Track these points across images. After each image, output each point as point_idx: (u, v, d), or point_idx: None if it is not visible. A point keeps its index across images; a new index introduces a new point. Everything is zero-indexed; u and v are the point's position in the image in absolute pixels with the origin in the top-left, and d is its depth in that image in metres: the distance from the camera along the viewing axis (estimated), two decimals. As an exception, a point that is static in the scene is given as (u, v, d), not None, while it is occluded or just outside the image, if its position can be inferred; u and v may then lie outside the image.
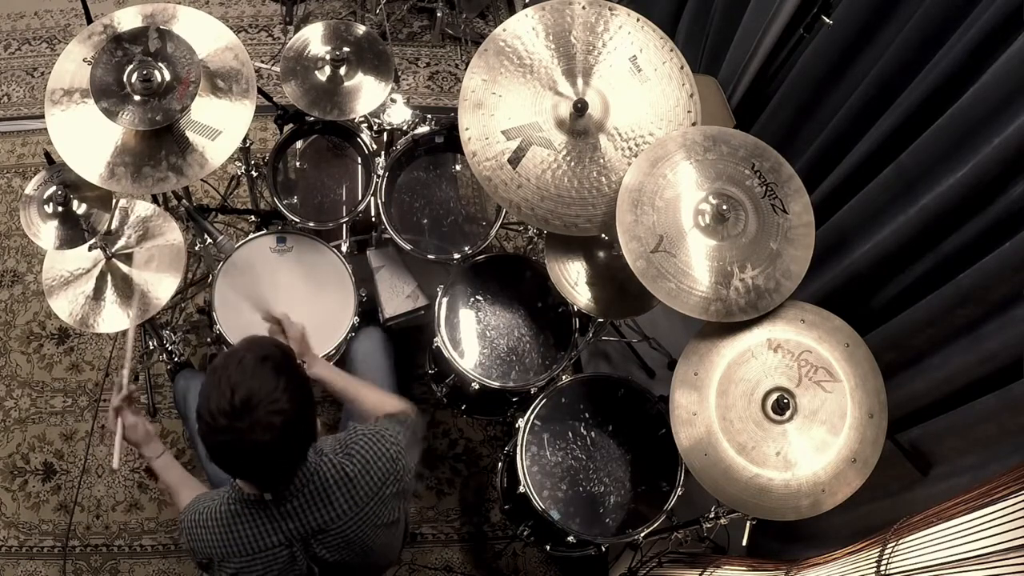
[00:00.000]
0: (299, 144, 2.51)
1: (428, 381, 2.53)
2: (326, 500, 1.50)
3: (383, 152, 2.45)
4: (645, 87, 2.00)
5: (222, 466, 1.40)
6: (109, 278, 2.13)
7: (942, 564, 1.26)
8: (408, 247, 2.37)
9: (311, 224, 2.36)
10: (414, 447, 1.68)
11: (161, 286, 2.12)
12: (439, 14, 3.53)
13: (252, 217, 2.69)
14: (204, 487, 1.79)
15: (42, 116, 1.97)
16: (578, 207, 1.98)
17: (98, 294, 2.11)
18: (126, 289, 2.12)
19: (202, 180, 2.75)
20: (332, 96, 2.26)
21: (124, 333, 1.97)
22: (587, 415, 2.28)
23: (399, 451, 1.59)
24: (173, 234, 2.18)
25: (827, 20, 2.09)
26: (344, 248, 2.38)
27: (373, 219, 2.46)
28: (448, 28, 3.62)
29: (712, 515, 2.04)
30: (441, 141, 2.48)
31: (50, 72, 1.97)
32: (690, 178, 1.91)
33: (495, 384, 2.26)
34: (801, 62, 2.31)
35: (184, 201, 2.29)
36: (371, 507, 1.55)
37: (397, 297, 2.51)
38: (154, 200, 2.38)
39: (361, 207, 2.39)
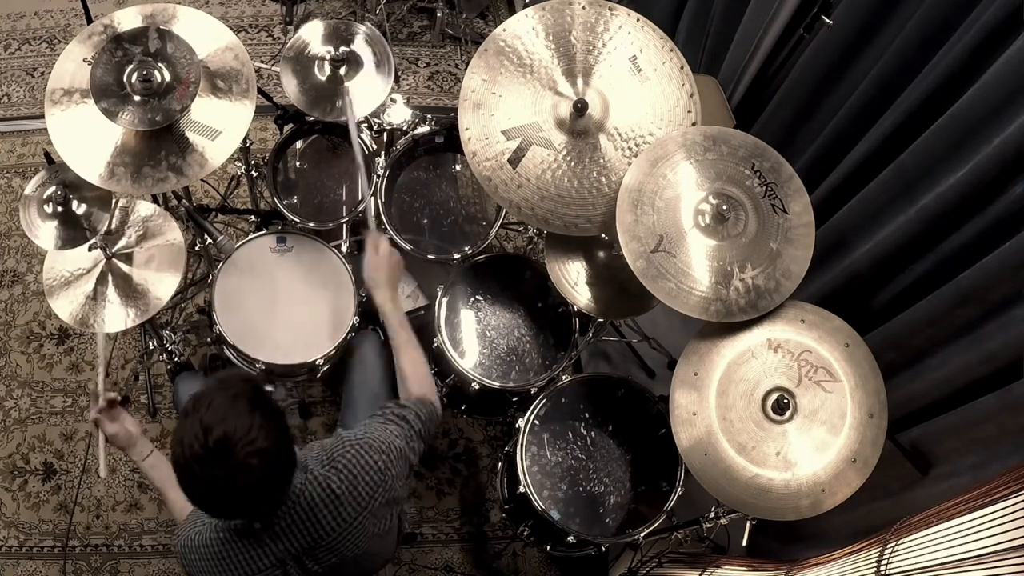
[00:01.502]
0: (299, 144, 2.51)
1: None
2: (313, 519, 1.46)
3: (383, 152, 2.45)
4: (645, 87, 2.00)
5: (204, 509, 1.37)
6: (109, 278, 2.13)
7: (942, 564, 1.26)
8: (408, 247, 2.37)
9: (311, 224, 2.36)
10: (417, 438, 1.63)
11: (161, 286, 2.12)
12: (439, 14, 3.53)
13: (252, 217, 2.69)
14: None
15: (42, 116, 1.97)
16: (578, 207, 1.98)
17: (98, 294, 2.11)
18: (126, 289, 2.12)
19: (202, 180, 2.75)
20: (332, 96, 2.25)
21: (114, 335, 1.96)
22: (587, 415, 2.28)
23: (388, 460, 1.53)
24: (173, 234, 2.18)
25: (827, 20, 2.09)
26: (344, 248, 2.38)
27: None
28: (448, 28, 3.62)
29: (712, 515, 2.04)
30: (441, 141, 2.48)
31: (50, 72, 1.97)
32: (690, 178, 1.91)
33: (495, 384, 2.26)
34: (801, 62, 2.31)
35: (184, 201, 2.29)
36: (360, 520, 1.51)
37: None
38: (154, 200, 2.38)
39: (361, 207, 2.39)
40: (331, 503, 1.47)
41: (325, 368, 2.28)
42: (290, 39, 2.32)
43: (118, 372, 2.82)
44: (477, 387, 2.26)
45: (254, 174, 2.43)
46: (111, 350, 2.84)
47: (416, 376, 1.73)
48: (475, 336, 2.36)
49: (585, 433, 2.27)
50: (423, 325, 2.46)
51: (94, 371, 2.83)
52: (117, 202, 2.12)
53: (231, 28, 2.07)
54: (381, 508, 1.55)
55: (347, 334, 2.25)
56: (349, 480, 1.49)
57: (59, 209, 1.96)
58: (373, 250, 1.84)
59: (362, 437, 1.55)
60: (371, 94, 2.24)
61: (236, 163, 2.39)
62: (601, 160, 1.99)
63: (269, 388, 1.52)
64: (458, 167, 2.54)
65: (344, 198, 2.47)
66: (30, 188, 2.00)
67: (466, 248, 2.40)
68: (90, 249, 2.08)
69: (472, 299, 2.40)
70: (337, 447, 1.53)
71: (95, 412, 1.73)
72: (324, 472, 1.49)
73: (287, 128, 2.45)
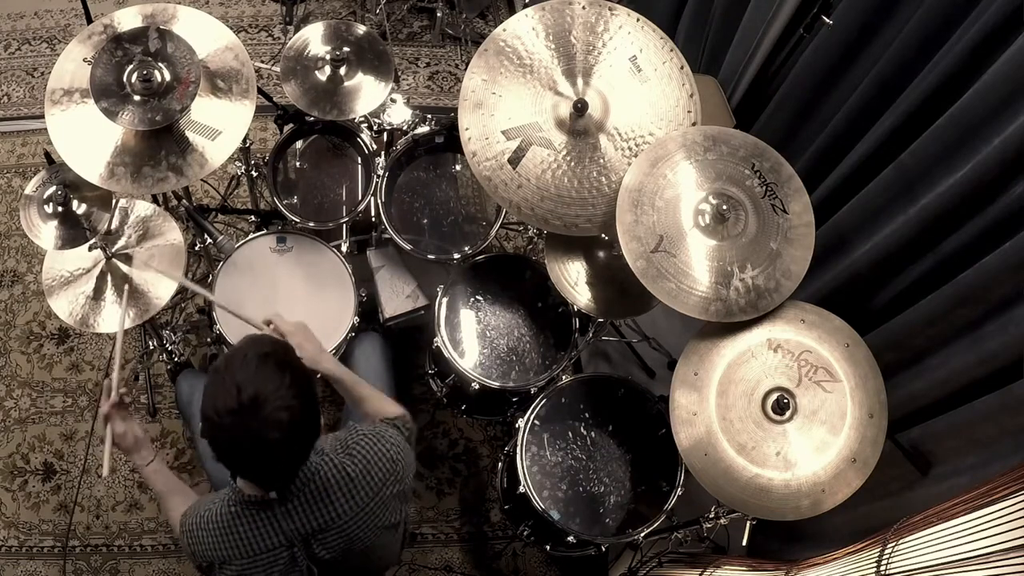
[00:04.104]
0: (299, 144, 2.51)
1: (428, 381, 2.53)
2: (327, 499, 1.50)
3: (383, 152, 2.45)
4: (645, 87, 2.00)
5: (229, 464, 1.40)
6: (109, 278, 2.13)
7: (942, 564, 1.26)
8: (408, 247, 2.37)
9: (311, 224, 2.36)
10: (411, 452, 1.68)
11: (161, 286, 2.12)
12: (439, 14, 3.53)
13: (252, 217, 2.69)
14: (194, 493, 1.78)
15: (42, 116, 1.97)
16: (578, 207, 1.98)
17: (98, 294, 2.11)
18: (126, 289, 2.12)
19: (202, 180, 2.75)
20: (332, 96, 2.25)
21: (114, 335, 1.96)
22: (587, 415, 2.28)
23: (399, 452, 1.59)
24: (173, 234, 2.18)
25: (827, 20, 2.09)
26: (344, 248, 2.38)
27: (373, 219, 2.46)
28: (448, 28, 3.62)
29: (712, 515, 2.04)
30: (441, 141, 2.48)
31: (50, 72, 1.97)
32: (690, 178, 1.91)
33: (495, 384, 2.26)
34: (801, 62, 2.31)
35: (184, 201, 2.29)
36: (372, 507, 1.55)
37: (397, 297, 2.51)
38: (154, 200, 2.38)
39: (361, 207, 2.39)
40: (346, 485, 1.51)
41: (325, 368, 2.28)
42: (290, 39, 2.32)
43: (108, 376, 2.82)
44: (477, 387, 2.26)
45: (254, 174, 2.43)
46: (114, 349, 2.84)
47: (384, 408, 1.78)
48: (475, 336, 2.36)
49: (585, 433, 2.27)
50: (423, 325, 2.47)
51: (94, 370, 2.84)
52: (117, 202, 2.12)
53: (231, 28, 2.07)
54: (391, 499, 1.58)
55: (347, 334, 2.26)
56: (364, 465, 1.54)
57: (59, 209, 1.96)
58: (285, 328, 1.80)
59: (373, 430, 1.61)
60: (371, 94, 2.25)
61: (236, 163, 2.39)
62: (601, 160, 1.99)
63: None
64: (458, 167, 2.54)
65: (344, 198, 2.47)
66: (30, 188, 2.00)
67: (466, 248, 2.40)
68: (90, 249, 2.08)
69: (472, 299, 2.40)
70: (352, 436, 1.58)
71: (107, 406, 1.72)
72: (340, 457, 1.53)
73: (287, 128, 2.45)
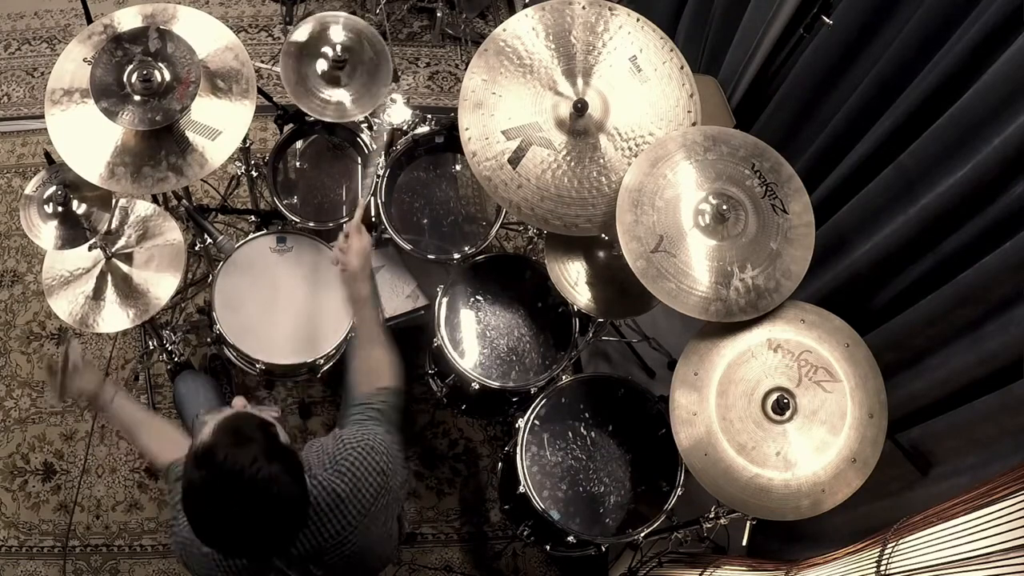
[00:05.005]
0: (299, 144, 2.51)
1: (428, 381, 2.53)
2: (318, 524, 1.45)
3: (383, 152, 2.45)
4: (645, 87, 2.00)
5: (216, 548, 1.36)
6: (109, 278, 2.13)
7: (942, 564, 1.26)
8: (408, 247, 2.37)
9: (311, 224, 2.36)
10: (396, 431, 1.62)
11: (161, 286, 2.12)
12: (439, 14, 3.53)
13: (252, 217, 2.69)
14: (166, 422, 1.76)
15: (42, 116, 1.96)
16: (578, 207, 1.98)
17: (98, 294, 2.12)
18: (126, 289, 2.12)
19: (202, 180, 2.75)
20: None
21: (115, 335, 1.93)
22: (587, 415, 2.28)
23: (388, 463, 1.53)
24: (173, 234, 2.18)
25: (827, 20, 2.09)
26: (344, 248, 2.38)
27: (373, 219, 2.46)
28: (448, 28, 3.62)
29: (712, 515, 2.04)
30: (441, 141, 2.48)
31: (50, 72, 1.97)
32: (690, 178, 1.91)
33: (495, 384, 2.26)
34: (801, 62, 2.31)
35: (184, 201, 2.29)
36: (364, 522, 1.51)
37: (397, 297, 2.51)
38: (154, 200, 2.38)
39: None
40: (336, 507, 1.46)
41: (326, 368, 2.28)
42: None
43: (118, 372, 2.82)
44: (477, 387, 2.25)
45: (254, 174, 2.43)
46: (114, 349, 2.84)
47: (380, 371, 1.69)
48: (475, 336, 2.36)
49: (585, 433, 2.27)
50: (423, 325, 2.47)
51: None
52: (117, 202, 2.12)
53: (231, 28, 2.07)
54: (383, 510, 1.55)
55: (347, 334, 2.25)
56: (352, 483, 1.48)
57: (59, 209, 1.96)
58: (357, 235, 1.76)
59: (361, 439, 1.54)
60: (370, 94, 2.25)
61: (236, 163, 2.39)
62: (601, 160, 1.99)
63: (274, 413, 1.46)
64: (458, 167, 2.54)
65: (344, 198, 2.47)
66: (30, 188, 2.00)
67: (466, 248, 2.40)
68: (90, 249, 2.09)
69: (472, 299, 2.40)
70: (340, 451, 1.52)
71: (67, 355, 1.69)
72: (327, 475, 1.48)
73: (287, 128, 2.45)
